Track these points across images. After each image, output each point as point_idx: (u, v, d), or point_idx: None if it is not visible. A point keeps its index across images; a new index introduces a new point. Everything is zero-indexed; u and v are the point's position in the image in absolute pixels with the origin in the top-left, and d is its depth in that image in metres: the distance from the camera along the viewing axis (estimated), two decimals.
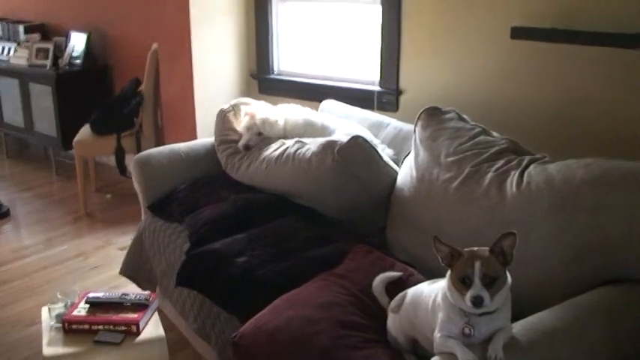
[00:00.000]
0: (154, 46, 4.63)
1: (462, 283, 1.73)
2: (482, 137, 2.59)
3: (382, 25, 3.80)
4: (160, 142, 4.71)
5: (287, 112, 3.37)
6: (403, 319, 2.04)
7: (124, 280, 3.49)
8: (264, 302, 2.33)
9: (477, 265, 1.71)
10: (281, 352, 2.07)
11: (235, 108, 3.47)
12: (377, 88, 3.90)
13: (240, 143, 3.28)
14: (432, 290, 1.94)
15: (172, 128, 4.58)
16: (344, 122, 3.37)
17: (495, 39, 3.33)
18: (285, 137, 3.28)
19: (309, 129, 3.33)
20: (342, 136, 2.96)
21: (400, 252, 2.66)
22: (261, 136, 3.27)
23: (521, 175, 2.32)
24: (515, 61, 3.33)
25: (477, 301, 1.69)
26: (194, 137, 4.35)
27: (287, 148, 3.04)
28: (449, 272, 1.80)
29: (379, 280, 2.27)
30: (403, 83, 3.83)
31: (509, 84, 3.37)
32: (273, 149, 3.12)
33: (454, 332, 1.77)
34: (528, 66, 3.29)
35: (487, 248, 1.75)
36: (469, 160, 2.50)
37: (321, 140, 2.92)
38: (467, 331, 1.76)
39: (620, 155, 2.37)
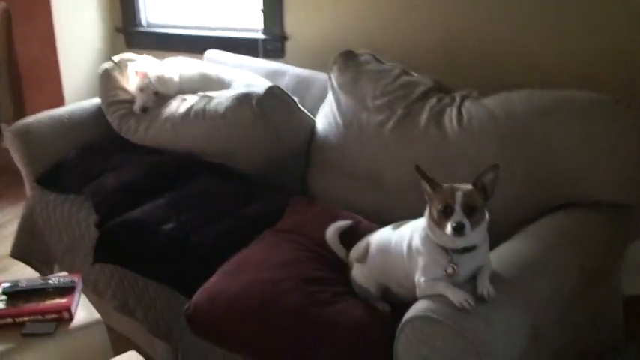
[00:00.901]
0: (3, 5, 4.13)
1: (442, 213, 1.66)
2: (405, 77, 2.53)
3: None
4: (20, 110, 4.25)
5: (180, 67, 3.13)
6: (372, 268, 1.96)
7: (10, 261, 3.15)
8: (206, 269, 2.15)
9: (459, 194, 1.65)
10: (247, 319, 1.92)
11: (121, 65, 3.17)
12: (260, 36, 3.72)
13: (137, 106, 3.00)
14: (403, 235, 1.86)
15: (34, 94, 4.15)
16: (240, 73, 3.19)
17: None
18: (182, 93, 3.05)
19: (206, 83, 3.11)
20: (252, 87, 2.78)
21: (330, 201, 2.55)
22: (158, 94, 3.02)
23: (459, 112, 2.29)
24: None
25: (459, 227, 1.63)
26: (61, 102, 3.98)
27: (193, 104, 2.81)
28: (427, 210, 1.73)
29: (332, 230, 2.17)
30: (289, 29, 3.68)
31: (401, 24, 3.32)
32: (176, 107, 2.88)
33: (439, 274, 1.71)
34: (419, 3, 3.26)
35: (468, 184, 1.69)
36: (399, 101, 2.43)
37: (233, 93, 2.73)
38: (450, 270, 1.70)
39: (506, 82, 2.39)
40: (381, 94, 2.48)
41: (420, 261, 1.75)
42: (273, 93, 2.63)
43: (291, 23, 3.66)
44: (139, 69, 3.03)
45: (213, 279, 2.08)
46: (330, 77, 2.71)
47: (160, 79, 3.00)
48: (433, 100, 2.38)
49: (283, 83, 3.14)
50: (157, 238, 2.37)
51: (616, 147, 2.01)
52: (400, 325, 1.66)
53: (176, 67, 3.12)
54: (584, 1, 2.69)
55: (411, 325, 1.63)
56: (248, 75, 3.16)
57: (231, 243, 2.26)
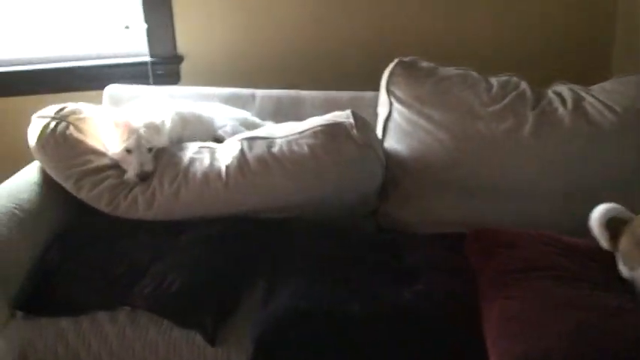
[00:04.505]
0: None
1: None
2: (494, 79, 2.36)
3: None
4: None
5: (158, 110, 2.36)
6: None
7: None
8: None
9: None
10: None
11: (69, 119, 2.25)
12: (148, 59, 2.99)
13: (131, 174, 2.17)
14: None
15: None
16: (209, 106, 2.57)
17: None
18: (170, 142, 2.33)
19: (187, 125, 2.43)
20: (318, 119, 2.24)
21: (446, 225, 2.25)
22: (152, 151, 2.23)
23: (598, 100, 2.21)
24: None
25: None
26: None
27: (242, 151, 2.15)
28: None
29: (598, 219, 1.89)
30: (183, 47, 3.03)
31: (322, 28, 3.03)
32: (209, 159, 2.19)
33: None
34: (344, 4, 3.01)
35: None
36: (518, 103, 2.25)
37: (302, 128, 2.19)
38: None
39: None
40: (491, 99, 2.26)
41: None
42: (362, 118, 2.20)
43: (186, 40, 3.03)
44: (120, 120, 2.19)
45: (511, 344, 1.66)
46: (390, 93, 2.34)
47: (152, 129, 2.21)
48: (552, 96, 2.27)
49: (256, 107, 2.63)
50: (359, 326, 1.78)
51: None
52: None
53: (154, 109, 2.34)
54: None
55: None
56: (221, 107, 2.59)
57: (458, 304, 1.85)
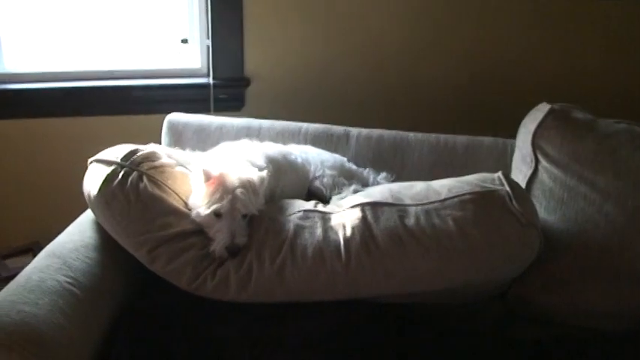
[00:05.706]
0: None
1: None
2: None
3: None
4: None
5: (249, 155, 1.86)
6: None
7: None
8: None
9: None
10: None
11: (145, 168, 1.73)
12: (210, 80, 2.49)
13: (219, 245, 1.65)
14: None
15: None
16: (300, 149, 2.09)
17: None
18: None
19: (282, 175, 1.95)
20: (458, 182, 1.76)
21: (601, 317, 1.80)
22: (246, 218, 1.72)
23: None
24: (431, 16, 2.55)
25: None
26: None
27: (364, 220, 1.66)
28: None
29: None
30: (250, 69, 2.54)
31: (419, 58, 2.58)
32: (320, 228, 1.69)
33: None
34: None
35: None
36: None
37: (438, 193, 1.72)
38: None
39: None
40: None
41: None
42: (518, 185, 1.73)
43: (255, 60, 2.54)
44: (210, 171, 1.68)
45: None
46: (537, 148, 1.88)
47: (250, 190, 1.69)
48: None
49: (352, 151, 2.16)
50: None
51: None
52: None
53: (240, 155, 1.84)
54: None
55: None
56: (310, 150, 2.12)
57: None
